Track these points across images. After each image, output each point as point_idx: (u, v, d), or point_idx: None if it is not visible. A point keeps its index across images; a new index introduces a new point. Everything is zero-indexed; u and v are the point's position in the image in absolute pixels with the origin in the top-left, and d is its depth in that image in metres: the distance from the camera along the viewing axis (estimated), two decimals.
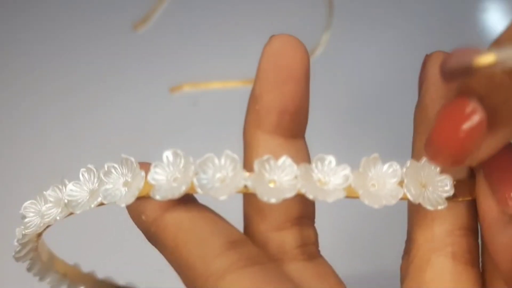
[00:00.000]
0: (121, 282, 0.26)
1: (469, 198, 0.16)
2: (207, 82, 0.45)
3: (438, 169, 0.15)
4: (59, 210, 0.16)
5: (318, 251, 0.17)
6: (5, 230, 0.39)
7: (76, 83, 0.46)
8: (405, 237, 0.18)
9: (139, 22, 0.49)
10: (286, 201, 0.15)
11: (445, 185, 0.15)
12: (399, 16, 0.48)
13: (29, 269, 0.19)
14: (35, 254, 0.18)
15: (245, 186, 0.14)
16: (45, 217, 0.16)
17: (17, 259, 0.18)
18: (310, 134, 0.17)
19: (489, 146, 0.14)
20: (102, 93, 0.45)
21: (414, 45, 0.42)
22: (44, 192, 0.16)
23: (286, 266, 0.16)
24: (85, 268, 0.23)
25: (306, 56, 0.16)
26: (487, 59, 0.12)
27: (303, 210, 0.16)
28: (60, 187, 0.16)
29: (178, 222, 0.15)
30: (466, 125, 0.13)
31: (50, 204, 0.16)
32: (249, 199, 0.16)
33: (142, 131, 0.43)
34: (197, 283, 0.14)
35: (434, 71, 0.16)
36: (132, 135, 0.42)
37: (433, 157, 0.15)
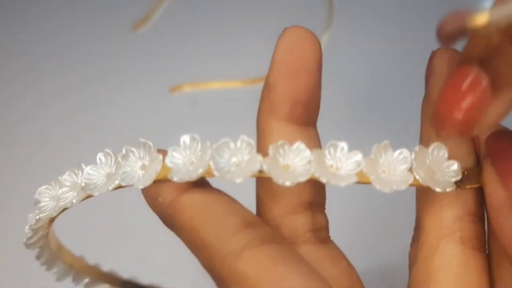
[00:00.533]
0: (124, 275, 0.26)
1: (476, 185, 0.16)
2: (207, 82, 0.45)
3: (446, 155, 0.16)
4: (75, 193, 0.16)
5: (329, 237, 0.17)
6: (5, 231, 0.39)
7: (76, 83, 0.46)
8: (413, 227, 0.18)
9: (139, 22, 0.49)
10: (298, 186, 0.15)
11: (452, 170, 0.16)
12: (399, 16, 0.48)
13: (38, 257, 0.19)
14: (45, 242, 0.19)
15: (261, 170, 0.15)
16: (61, 200, 0.16)
17: (28, 246, 0.18)
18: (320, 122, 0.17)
19: (495, 111, 0.14)
20: (102, 93, 0.45)
21: (414, 44, 0.42)
22: (59, 177, 0.17)
23: (298, 248, 0.16)
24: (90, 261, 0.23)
25: (319, 48, 0.16)
26: (481, 19, 0.12)
27: (314, 196, 0.17)
28: (76, 171, 0.16)
29: (194, 204, 0.15)
30: (470, 93, 0.14)
31: (66, 188, 0.16)
32: (262, 183, 0.17)
33: (142, 131, 0.43)
34: (215, 261, 0.14)
35: (440, 66, 0.17)
36: (132, 135, 0.42)
37: (441, 129, 0.15)
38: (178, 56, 0.47)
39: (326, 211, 0.18)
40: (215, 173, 0.15)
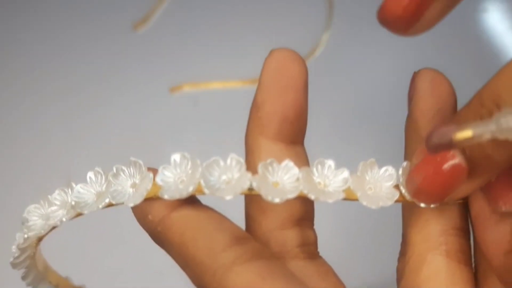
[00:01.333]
0: (121, 277, 0.26)
1: (461, 201, 0.16)
2: (207, 82, 0.45)
3: None
4: (65, 212, 0.16)
5: (318, 252, 0.18)
6: (5, 231, 0.39)
7: (77, 83, 0.46)
8: (400, 240, 0.18)
9: (139, 22, 0.49)
10: (287, 202, 0.15)
11: None
12: None
13: (23, 278, 0.19)
14: (32, 262, 0.19)
15: (250, 187, 0.15)
16: (51, 219, 0.16)
17: (14, 266, 0.18)
18: (310, 132, 0.18)
19: (466, 189, 0.15)
20: (102, 93, 0.45)
21: (413, 45, 0.42)
22: (49, 196, 0.17)
23: (287, 263, 0.16)
24: (79, 276, 0.23)
25: (304, 68, 0.17)
26: (464, 134, 0.14)
27: (303, 211, 0.17)
28: (66, 190, 0.16)
29: (184, 220, 0.15)
30: (448, 173, 0.15)
31: (55, 207, 0.16)
32: (251, 200, 0.17)
33: (142, 131, 0.43)
34: (205, 276, 0.14)
35: (423, 86, 0.17)
36: (132, 135, 0.42)
37: (414, 195, 0.16)
38: (178, 56, 0.47)
39: (315, 227, 0.18)
40: (206, 190, 0.15)
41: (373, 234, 0.35)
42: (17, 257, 0.18)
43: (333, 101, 0.43)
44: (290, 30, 0.46)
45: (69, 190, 0.16)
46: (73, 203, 0.16)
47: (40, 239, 0.17)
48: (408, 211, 0.17)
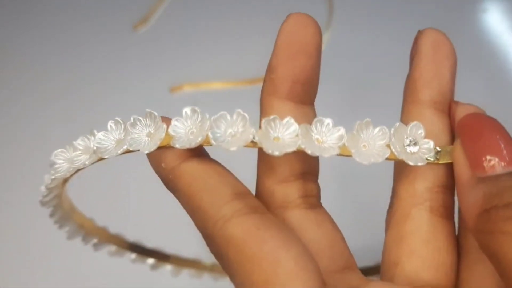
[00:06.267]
0: (130, 239, 0.28)
1: (449, 161, 0.18)
2: (207, 82, 0.45)
3: (423, 134, 0.17)
4: (88, 156, 0.18)
5: (320, 203, 0.19)
6: (5, 231, 0.39)
7: (76, 83, 0.46)
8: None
9: (139, 22, 0.49)
10: (290, 158, 0.17)
11: (426, 147, 0.17)
12: (399, 17, 0.48)
13: (51, 215, 0.21)
14: (58, 201, 0.20)
15: (253, 141, 0.16)
16: (75, 162, 0.17)
17: (43, 204, 0.20)
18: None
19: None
20: (102, 93, 0.45)
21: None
22: (74, 142, 0.18)
23: (288, 212, 0.18)
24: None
25: (318, 32, 0.18)
26: None
27: (306, 166, 0.18)
28: (89, 136, 0.18)
29: (192, 171, 0.17)
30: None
31: (78, 152, 0.18)
32: (262, 157, 0.18)
33: None
34: (208, 224, 0.16)
35: (425, 48, 0.18)
36: None
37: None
38: (178, 56, 0.47)
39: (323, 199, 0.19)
40: (213, 142, 0.16)
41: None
42: (45, 196, 0.19)
43: (332, 101, 0.43)
44: None
45: (92, 137, 0.18)
46: (94, 148, 0.17)
47: (65, 180, 0.19)
48: (399, 167, 0.19)
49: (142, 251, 0.29)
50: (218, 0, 0.50)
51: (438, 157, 0.18)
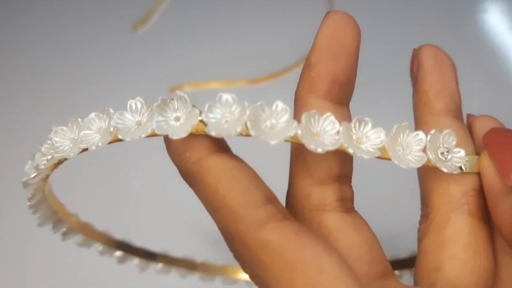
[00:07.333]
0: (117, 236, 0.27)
1: (477, 172, 0.18)
2: (206, 82, 0.45)
3: (455, 142, 0.17)
4: (100, 137, 0.16)
5: (353, 207, 0.19)
6: (5, 231, 0.39)
7: (76, 83, 0.46)
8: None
9: (139, 22, 0.49)
10: (328, 158, 0.17)
11: (459, 156, 0.17)
12: (399, 17, 0.48)
13: (30, 199, 0.19)
14: (42, 183, 0.18)
15: (293, 136, 0.15)
16: (84, 142, 0.16)
17: (26, 186, 0.18)
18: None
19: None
20: (102, 93, 0.45)
21: (414, 45, 0.42)
22: (79, 119, 0.16)
23: (325, 216, 0.17)
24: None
25: (359, 33, 0.18)
26: None
27: (342, 168, 0.18)
28: (101, 115, 0.16)
29: (222, 167, 0.16)
30: None
31: (90, 131, 0.16)
32: (297, 155, 0.18)
33: None
34: (239, 226, 0.15)
35: (428, 61, 0.19)
36: None
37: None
38: (178, 56, 0.47)
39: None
40: (252, 132, 0.15)
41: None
42: (33, 178, 0.17)
43: None
44: (290, 30, 0.46)
45: (106, 116, 0.16)
46: (111, 129, 0.16)
47: (61, 161, 0.17)
48: (431, 176, 0.18)
49: (128, 249, 0.28)
50: (218, 0, 0.50)
51: (465, 167, 0.18)
